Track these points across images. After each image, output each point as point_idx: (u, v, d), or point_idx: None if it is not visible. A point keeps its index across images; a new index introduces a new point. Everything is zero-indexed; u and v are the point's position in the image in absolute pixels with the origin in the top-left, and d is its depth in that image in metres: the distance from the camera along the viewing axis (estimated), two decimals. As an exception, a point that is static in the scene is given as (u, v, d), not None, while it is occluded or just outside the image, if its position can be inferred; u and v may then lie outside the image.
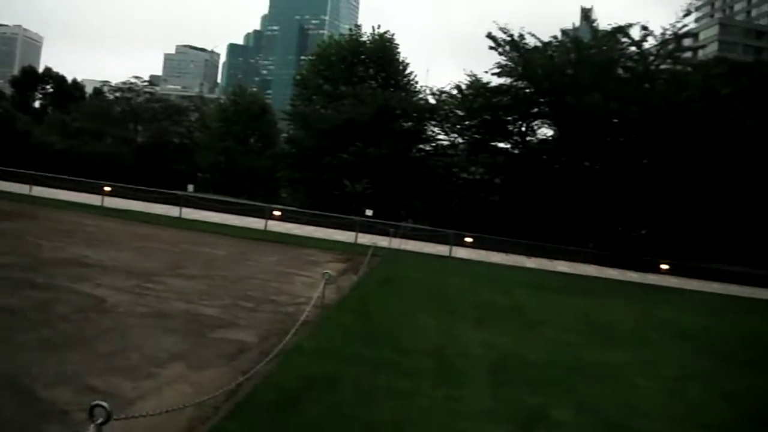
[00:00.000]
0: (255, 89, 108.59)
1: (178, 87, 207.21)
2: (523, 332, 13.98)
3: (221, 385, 7.56)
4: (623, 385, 10.79)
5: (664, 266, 33.75)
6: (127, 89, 65.66)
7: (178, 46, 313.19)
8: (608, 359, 12.53)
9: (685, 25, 46.36)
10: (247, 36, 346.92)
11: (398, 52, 59.04)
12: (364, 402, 8.08)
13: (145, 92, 67.52)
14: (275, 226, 31.43)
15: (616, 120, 41.71)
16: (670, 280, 30.63)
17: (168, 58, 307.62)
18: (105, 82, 69.40)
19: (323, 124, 48.58)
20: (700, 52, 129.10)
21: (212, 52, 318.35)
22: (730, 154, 42.82)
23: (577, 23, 62.67)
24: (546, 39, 45.99)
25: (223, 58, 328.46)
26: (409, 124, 52.15)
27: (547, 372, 10.84)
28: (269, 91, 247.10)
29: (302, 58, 75.12)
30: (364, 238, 27.34)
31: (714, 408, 10.22)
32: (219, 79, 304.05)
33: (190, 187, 43.75)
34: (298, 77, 61.79)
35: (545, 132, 47.42)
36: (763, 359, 15.05)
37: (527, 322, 15.33)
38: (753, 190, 42.36)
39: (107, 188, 35.34)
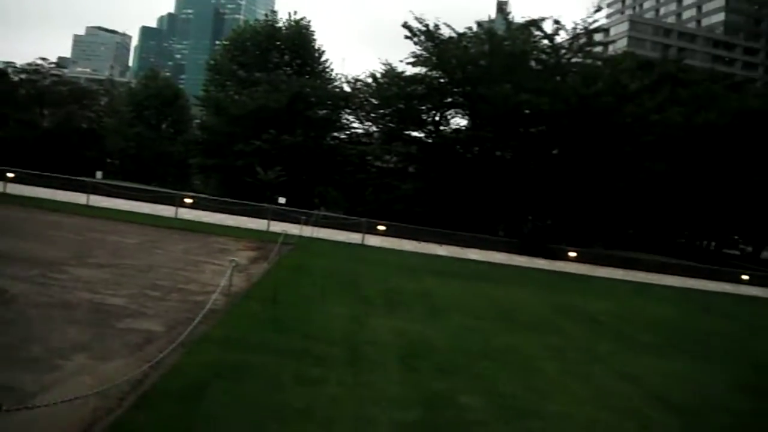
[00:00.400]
0: (168, 74, 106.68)
1: (88, 70, 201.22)
2: (432, 319, 14.21)
3: (127, 375, 7.49)
4: (529, 369, 11.16)
5: (571, 254, 34.57)
6: (33, 71, 63.07)
7: (88, 27, 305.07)
8: (515, 344, 12.90)
9: (595, 21, 47.50)
10: (161, 19, 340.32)
11: (314, 40, 58.73)
12: (273, 390, 8.13)
13: (53, 75, 65.06)
14: (186, 213, 30.91)
15: (527, 111, 42.35)
16: (578, 267, 31.40)
17: (77, 40, 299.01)
18: (9, 63, 66.70)
19: (236, 111, 47.91)
20: (611, 48, 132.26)
21: (124, 34, 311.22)
22: (637, 146, 44.20)
23: (494, 16, 63.64)
24: (462, 30, 46.49)
25: (135, 41, 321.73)
26: (324, 111, 51.96)
27: (454, 357, 11.10)
28: (183, 76, 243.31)
29: (217, 43, 74.19)
30: (277, 226, 27.10)
31: (615, 389, 10.69)
32: (131, 63, 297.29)
33: (99, 174, 42.63)
34: (212, 62, 60.69)
35: (459, 122, 47.98)
36: (662, 341, 15.64)
37: (436, 308, 15.56)
38: (655, 182, 43.83)
39: (10, 174, 34.09)
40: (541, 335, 14.22)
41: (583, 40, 46.45)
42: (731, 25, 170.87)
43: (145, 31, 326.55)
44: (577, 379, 10.90)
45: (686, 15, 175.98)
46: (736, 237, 67.59)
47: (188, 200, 34.44)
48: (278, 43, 57.06)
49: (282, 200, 37.16)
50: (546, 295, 21.13)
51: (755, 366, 14.45)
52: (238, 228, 27.98)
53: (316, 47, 58.52)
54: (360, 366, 9.77)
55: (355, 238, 29.81)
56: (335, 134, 52.95)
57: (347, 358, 10.09)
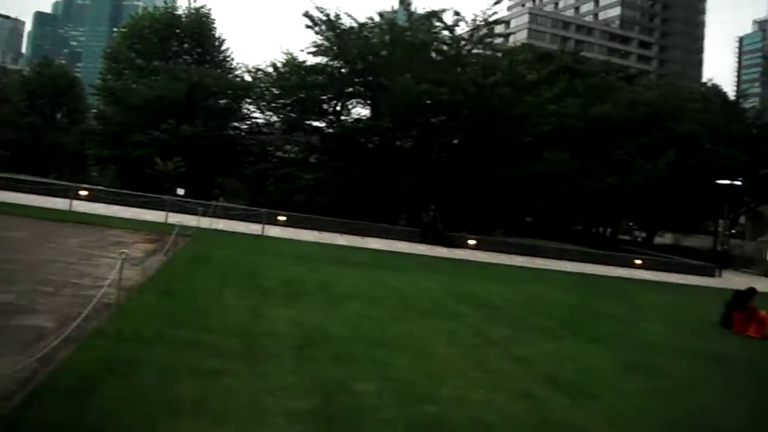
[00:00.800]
0: (63, 61, 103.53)
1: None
2: (330, 308, 14.27)
3: (15, 373, 7.32)
4: (425, 355, 11.33)
5: (471, 242, 35.13)
6: None
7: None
8: (412, 331, 13.08)
9: (495, 13, 48.24)
10: (56, 4, 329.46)
11: (215, 28, 58.02)
12: (166, 383, 8.04)
13: (-62, 62, 62.78)
14: (82, 206, 29.94)
15: (428, 101, 42.77)
16: (477, 255, 31.94)
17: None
18: None
19: (134, 100, 46.89)
20: (512, 39, 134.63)
21: (16, 19, 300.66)
22: (535, 136, 45.30)
23: (396, 7, 63.93)
24: (363, 20, 46.58)
25: (28, 27, 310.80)
26: (225, 101, 51.41)
27: (351, 346, 11.18)
28: (79, 64, 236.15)
29: (114, 30, 72.26)
30: (175, 218, 26.64)
31: (508, 372, 10.99)
32: (24, 50, 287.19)
33: (-11, 166, 41.15)
34: (109, 50, 59.28)
35: (360, 112, 48.13)
36: (556, 325, 16.13)
37: (335, 298, 15.63)
38: (553, 171, 45.02)
39: None
40: (438, 321, 14.47)
41: (483, 32, 47.16)
42: (627, 19, 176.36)
43: (39, 17, 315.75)
44: (472, 364, 11.15)
45: (584, 9, 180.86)
46: (631, 224, 70.16)
47: (84, 192, 33.52)
48: (178, 31, 56.13)
49: (181, 191, 36.66)
50: (445, 282, 21.44)
51: (642, 345, 15.05)
52: (135, 220, 27.39)
53: (217, 36, 57.83)
54: (256, 357, 9.74)
55: (255, 229, 29.58)
56: (236, 124, 52.49)
57: (243, 350, 10.04)
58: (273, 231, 30.08)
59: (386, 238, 34.02)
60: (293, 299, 14.71)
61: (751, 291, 19.70)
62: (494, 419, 8.45)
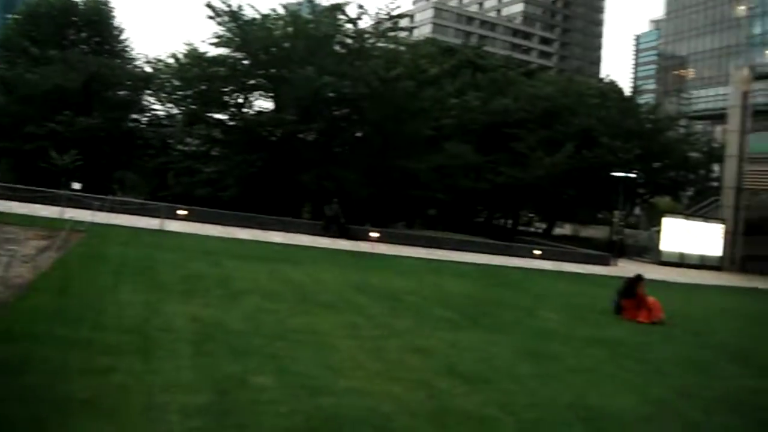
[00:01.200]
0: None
1: None
2: (229, 303, 14.15)
3: None
4: (324, 348, 11.38)
5: (374, 234, 35.23)
6: None
7: None
8: (312, 324, 13.11)
9: (398, 6, 48.52)
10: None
11: (114, 17, 56.41)
12: (56, 382, 7.86)
13: None
14: (-31, 202, 28.87)
15: (331, 94, 42.75)
16: (380, 248, 32.03)
17: None
18: None
19: (28, 90, 45.11)
20: (417, 33, 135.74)
21: None
22: (437, 129, 45.85)
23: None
24: (266, 12, 46.08)
25: None
26: (124, 93, 50.13)
27: (250, 340, 11.14)
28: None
29: (8, 16, 69.91)
30: (71, 213, 26.00)
31: (408, 362, 11.13)
32: None
33: None
34: (1, 38, 57.05)
35: (263, 104, 47.66)
36: (457, 315, 16.41)
37: (234, 292, 15.49)
38: (455, 164, 45.71)
39: None
40: (339, 314, 14.52)
41: (386, 25, 47.37)
42: (529, 15, 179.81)
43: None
44: (371, 355, 11.26)
45: (488, 4, 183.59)
46: (531, 215, 71.68)
47: (-29, 188, 32.16)
48: (75, 19, 54.13)
49: (77, 186, 35.63)
50: (347, 275, 21.51)
51: (539, 333, 15.48)
52: (28, 216, 26.39)
53: (116, 25, 56.27)
54: (151, 353, 9.60)
55: (154, 223, 28.89)
56: (136, 117, 51.27)
57: (138, 347, 9.87)
58: (173, 226, 29.47)
59: (289, 232, 33.81)
60: (191, 295, 14.50)
61: (638, 278, 20.46)
62: (391, 409, 8.57)
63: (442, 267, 28.19)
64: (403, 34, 57.06)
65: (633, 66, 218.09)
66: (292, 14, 45.64)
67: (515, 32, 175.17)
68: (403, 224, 49.09)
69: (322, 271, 21.67)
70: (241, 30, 43.75)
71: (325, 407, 8.32)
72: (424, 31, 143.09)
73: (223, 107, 45.60)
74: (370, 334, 12.90)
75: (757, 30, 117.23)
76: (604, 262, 40.16)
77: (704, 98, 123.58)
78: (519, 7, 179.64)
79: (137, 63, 52.48)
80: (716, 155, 57.24)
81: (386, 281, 21.04)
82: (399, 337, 13.04)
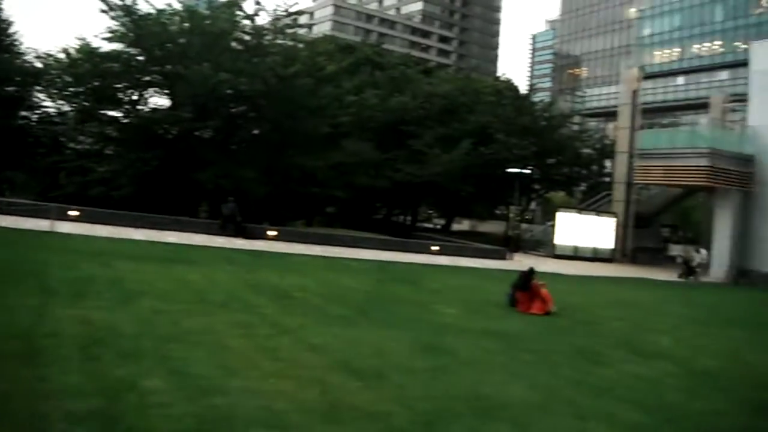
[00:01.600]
0: None
1: None
2: (121, 305, 13.85)
3: None
4: (218, 348, 11.31)
5: (271, 233, 35.07)
6: None
7: None
8: (206, 324, 13.01)
9: (297, 3, 48.27)
10: None
11: (1, 9, 54.37)
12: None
13: None
14: None
15: (229, 91, 42.22)
16: (277, 246, 31.92)
17: None
18: None
19: None
20: (316, 30, 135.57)
21: None
22: (335, 126, 45.91)
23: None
24: (162, 6, 45.14)
25: None
26: (12, 89, 48.30)
27: (141, 342, 10.95)
28: None
29: None
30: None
31: (302, 360, 11.20)
32: None
33: None
34: None
35: (159, 101, 46.67)
36: (352, 312, 16.60)
37: (127, 294, 15.16)
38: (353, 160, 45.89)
39: None
40: (233, 314, 14.46)
41: (284, 22, 47.11)
42: (428, 14, 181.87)
43: None
44: (265, 354, 11.28)
45: (387, 2, 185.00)
46: (430, 212, 72.63)
47: None
48: (-41, 12, 52.05)
49: (-42, 187, 34.22)
50: (242, 274, 21.37)
51: (434, 328, 15.78)
52: None
53: (4, 18, 54.24)
54: (36, 359, 9.33)
55: (44, 225, 27.87)
56: (25, 114, 49.43)
57: (22, 353, 9.56)
58: (65, 227, 28.50)
59: (185, 231, 33.23)
60: (82, 298, 14.12)
61: (531, 271, 21.07)
62: (284, 407, 8.62)
63: (339, 264, 28.29)
64: (302, 31, 56.77)
65: (529, 65, 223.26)
66: (188, 9, 44.79)
67: (414, 30, 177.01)
68: (302, 222, 49.00)
69: (217, 271, 21.46)
70: (135, 25, 42.64)
71: (217, 408, 8.29)
72: (323, 28, 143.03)
73: (117, 104, 44.35)
74: (264, 333, 12.90)
75: (646, 31, 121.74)
76: (501, 257, 40.98)
77: (597, 96, 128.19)
78: (418, 6, 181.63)
79: (27, 58, 50.63)
80: (608, 151, 59.20)
81: (282, 280, 21.01)
82: (293, 334, 13.09)
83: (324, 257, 30.22)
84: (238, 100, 43.75)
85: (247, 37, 45.65)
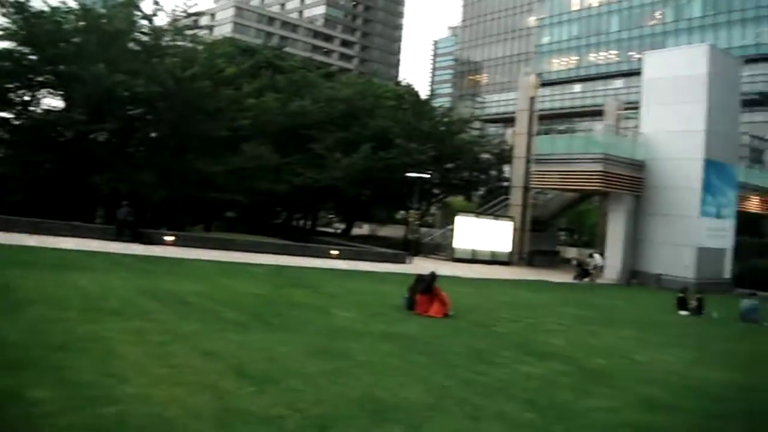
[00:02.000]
0: None
1: None
2: (9, 314, 13.44)
3: None
4: (109, 356, 11.13)
5: (168, 238, 34.55)
6: None
7: None
8: (98, 332, 12.75)
9: (196, 4, 47.71)
10: None
11: None
12: None
13: None
14: None
15: (126, 93, 41.35)
16: (174, 251, 31.41)
17: None
18: None
19: None
20: (217, 32, 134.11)
21: None
22: (234, 130, 45.51)
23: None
24: (56, 4, 43.79)
25: None
26: None
27: (28, 352, 10.70)
28: None
29: None
30: None
31: (195, 366, 11.18)
32: None
33: None
34: None
35: (53, 102, 45.25)
36: (248, 318, 16.53)
37: (15, 302, 14.74)
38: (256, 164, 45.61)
39: None
40: (126, 321, 14.23)
41: (184, 23, 46.50)
42: (330, 18, 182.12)
43: None
44: (158, 361, 11.16)
45: (290, 5, 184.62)
46: (331, 216, 72.76)
47: None
48: None
49: None
50: (137, 280, 20.99)
51: (330, 331, 15.94)
52: None
53: None
54: None
55: None
56: None
57: None
58: (-50, 233, 27.56)
59: (80, 237, 32.32)
60: (-34, 308, 13.74)
61: (433, 276, 21.46)
62: (175, 414, 8.59)
63: (236, 269, 28.04)
64: (202, 32, 56.14)
65: (431, 70, 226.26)
66: (84, 8, 43.66)
67: (316, 34, 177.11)
68: (202, 227, 48.38)
69: (112, 278, 21.00)
70: (27, 22, 41.28)
71: (106, 416, 8.19)
72: (224, 30, 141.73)
73: (7, 105, 42.71)
74: (156, 340, 12.76)
75: (545, 40, 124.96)
76: (400, 261, 41.39)
77: (496, 102, 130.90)
78: (321, 10, 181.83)
79: None
80: (506, 156, 60.31)
81: (177, 285, 20.75)
82: (186, 341, 13.01)
83: (222, 262, 29.93)
84: (135, 102, 42.84)
85: (144, 38, 44.85)
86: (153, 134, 45.54)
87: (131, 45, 44.41)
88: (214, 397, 9.48)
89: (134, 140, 44.97)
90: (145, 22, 45.16)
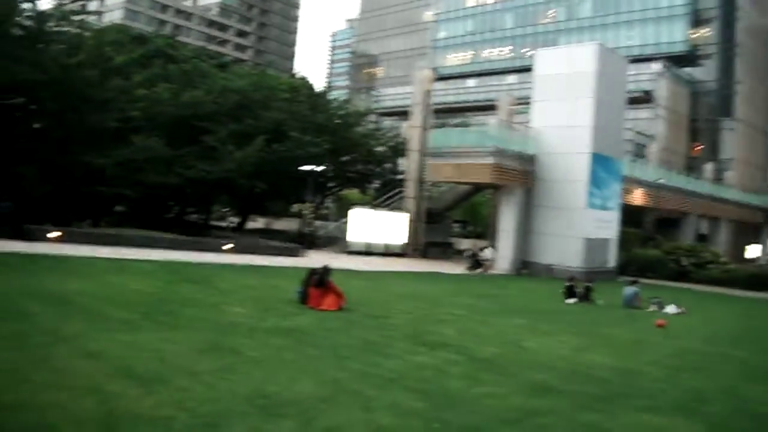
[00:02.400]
0: None
1: None
2: None
3: None
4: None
5: (53, 234, 33.25)
6: None
7: None
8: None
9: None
10: None
11: None
12: None
13: None
14: None
15: (4, 81, 39.58)
16: (59, 248, 30.22)
17: None
18: None
19: None
20: (108, 18, 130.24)
21: None
22: (124, 121, 44.24)
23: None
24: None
25: None
26: None
27: None
28: None
29: None
30: None
31: (78, 369, 10.77)
32: None
33: None
34: None
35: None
36: (136, 316, 16.07)
37: None
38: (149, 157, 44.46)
39: None
40: (3, 324, 13.50)
41: (70, 8, 44.90)
42: (226, 7, 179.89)
43: None
44: (38, 365, 10.68)
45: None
46: (225, 210, 71.81)
47: None
48: None
49: None
50: (18, 279, 20.07)
51: (222, 328, 15.67)
52: None
53: None
54: None
55: None
56: None
57: None
58: None
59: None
60: None
61: (327, 269, 21.34)
62: (57, 419, 8.29)
63: (124, 266, 27.15)
64: (91, 18, 54.35)
65: (328, 63, 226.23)
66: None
67: (211, 23, 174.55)
68: (89, 222, 46.78)
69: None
70: None
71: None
72: (114, 17, 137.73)
73: None
74: (37, 342, 12.21)
75: (441, 35, 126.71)
76: (295, 254, 41.15)
77: (392, 96, 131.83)
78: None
79: None
80: (401, 149, 60.67)
81: (61, 284, 19.92)
82: (68, 342, 12.52)
83: (111, 259, 28.92)
84: (15, 91, 40.98)
85: (27, 22, 42.94)
86: (36, 125, 43.74)
87: (13, 30, 42.45)
88: (98, 401, 9.15)
89: (16, 132, 43.04)
90: (28, 5, 43.20)
